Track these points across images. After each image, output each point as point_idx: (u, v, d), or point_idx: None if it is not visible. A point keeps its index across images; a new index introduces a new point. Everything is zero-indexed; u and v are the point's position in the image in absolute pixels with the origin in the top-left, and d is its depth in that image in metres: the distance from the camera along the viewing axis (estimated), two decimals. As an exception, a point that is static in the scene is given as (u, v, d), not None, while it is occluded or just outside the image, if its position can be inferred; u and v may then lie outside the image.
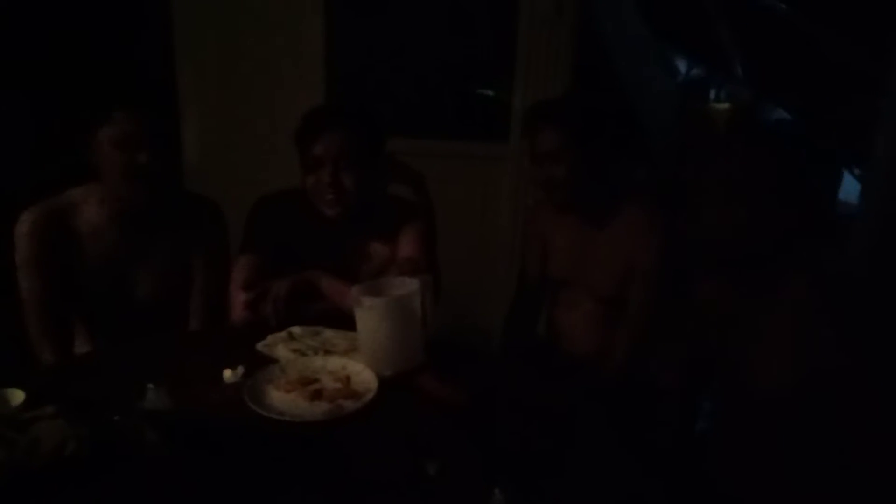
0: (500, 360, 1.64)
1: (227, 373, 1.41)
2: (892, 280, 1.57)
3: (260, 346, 1.56)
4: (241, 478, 1.08)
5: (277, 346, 1.56)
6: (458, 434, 1.22)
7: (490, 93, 3.19)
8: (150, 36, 2.90)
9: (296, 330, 1.61)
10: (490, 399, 1.34)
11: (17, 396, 1.23)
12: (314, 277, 1.70)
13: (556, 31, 2.72)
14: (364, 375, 1.40)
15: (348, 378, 1.39)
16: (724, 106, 4.54)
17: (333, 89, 2.95)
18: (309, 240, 1.76)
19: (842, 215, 2.66)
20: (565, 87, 2.75)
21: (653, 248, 1.69)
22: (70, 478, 1.05)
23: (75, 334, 1.75)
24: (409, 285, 1.48)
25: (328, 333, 1.62)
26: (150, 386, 1.18)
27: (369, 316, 1.43)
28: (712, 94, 5.41)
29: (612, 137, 1.75)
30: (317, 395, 1.32)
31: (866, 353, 1.21)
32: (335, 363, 1.45)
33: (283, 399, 1.32)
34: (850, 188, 2.73)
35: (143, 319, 1.70)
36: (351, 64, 3.02)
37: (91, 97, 1.60)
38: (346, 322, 1.54)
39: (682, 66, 5.20)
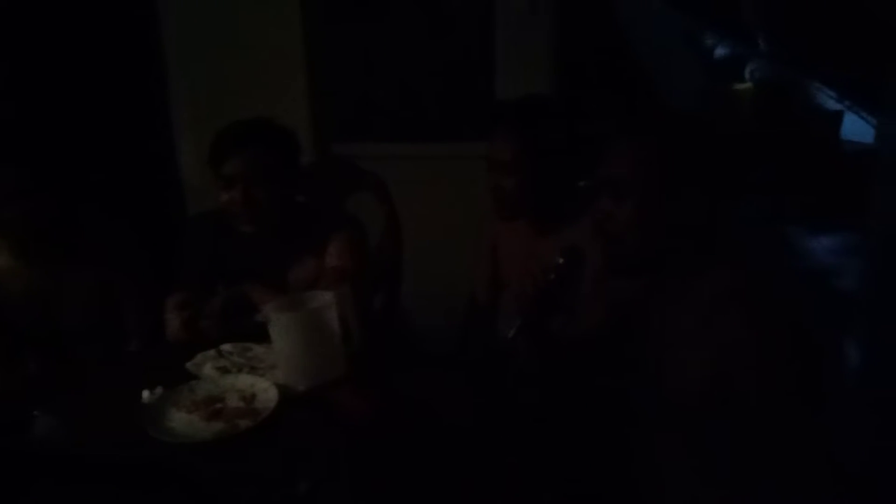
0: (433, 371, 1.60)
1: (146, 394, 1.43)
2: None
3: (189, 364, 1.57)
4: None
5: (206, 364, 1.57)
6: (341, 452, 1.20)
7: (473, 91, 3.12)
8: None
9: (226, 347, 1.62)
10: (394, 415, 1.31)
11: None
12: (247, 290, 1.71)
13: (531, 27, 2.67)
14: (268, 394, 1.39)
15: (253, 396, 1.39)
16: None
17: (318, 99, 2.97)
18: (237, 256, 1.78)
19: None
20: (547, 83, 2.69)
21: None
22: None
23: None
24: (321, 299, 1.47)
25: (258, 350, 1.61)
26: (36, 413, 1.21)
27: (278, 331, 1.43)
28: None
29: (569, 146, 1.65)
30: (215, 415, 1.32)
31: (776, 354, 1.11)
32: (244, 381, 1.45)
33: (182, 420, 1.33)
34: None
35: (75, 345, 1.75)
36: (334, 73, 3.03)
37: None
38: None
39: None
